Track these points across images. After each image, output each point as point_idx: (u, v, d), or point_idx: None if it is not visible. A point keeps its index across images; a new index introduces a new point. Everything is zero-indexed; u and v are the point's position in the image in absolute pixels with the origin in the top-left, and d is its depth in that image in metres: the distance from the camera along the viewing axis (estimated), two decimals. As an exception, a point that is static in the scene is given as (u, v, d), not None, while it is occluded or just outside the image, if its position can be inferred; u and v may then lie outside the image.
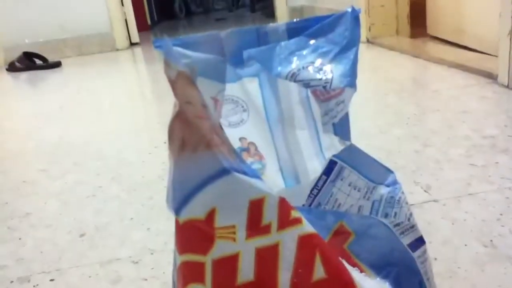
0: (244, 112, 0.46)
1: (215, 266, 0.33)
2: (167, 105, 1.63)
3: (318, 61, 0.39)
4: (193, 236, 0.34)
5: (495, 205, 0.74)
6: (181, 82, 0.37)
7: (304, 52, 0.41)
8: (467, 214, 0.73)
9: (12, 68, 2.99)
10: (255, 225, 0.34)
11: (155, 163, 1.12)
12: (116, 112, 1.67)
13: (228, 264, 0.33)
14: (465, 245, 0.65)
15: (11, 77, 2.83)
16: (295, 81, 0.39)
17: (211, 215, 0.34)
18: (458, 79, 1.50)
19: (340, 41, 0.39)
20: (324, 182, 0.43)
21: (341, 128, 0.43)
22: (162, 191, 0.95)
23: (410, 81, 1.57)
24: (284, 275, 0.33)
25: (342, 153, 0.43)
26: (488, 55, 1.65)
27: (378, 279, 0.33)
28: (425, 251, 0.38)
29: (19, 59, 2.99)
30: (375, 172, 0.43)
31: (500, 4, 1.35)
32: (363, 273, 0.34)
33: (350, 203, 0.43)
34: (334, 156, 0.43)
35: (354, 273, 0.33)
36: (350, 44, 0.39)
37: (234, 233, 0.34)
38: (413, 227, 0.38)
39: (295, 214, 0.35)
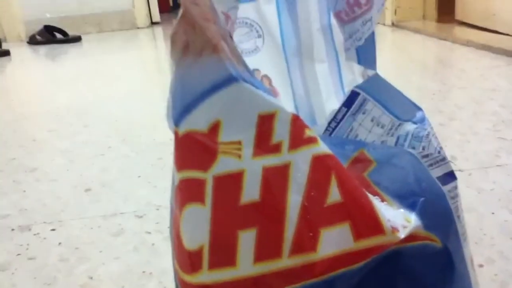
0: (258, 39, 0.42)
1: (216, 183, 0.29)
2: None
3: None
4: (193, 150, 0.30)
5: (525, 176, 0.69)
6: (188, -17, 0.33)
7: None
8: (494, 184, 0.68)
9: (32, 41, 2.99)
10: (263, 143, 0.30)
11: (168, 127, 1.08)
12: (132, 82, 1.64)
13: (231, 182, 0.29)
14: (492, 213, 0.60)
15: (31, 49, 2.83)
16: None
17: (214, 128, 0.30)
18: (486, 60, 1.43)
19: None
20: (344, 115, 0.38)
21: (366, 55, 0.39)
22: (170, 154, 0.91)
23: (435, 61, 1.51)
24: (294, 198, 0.29)
25: (366, 83, 0.38)
26: (519, 38, 1.58)
27: (402, 210, 0.29)
28: (455, 187, 0.34)
29: (40, 33, 2.98)
30: (401, 107, 0.39)
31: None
32: (384, 202, 0.30)
33: (371, 140, 0.38)
34: (356, 86, 0.38)
35: (375, 201, 0.29)
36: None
37: (239, 149, 0.30)
38: (443, 159, 0.33)
39: (309, 133, 0.30)
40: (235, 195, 0.29)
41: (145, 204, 0.72)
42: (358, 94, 0.38)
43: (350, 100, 0.38)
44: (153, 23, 3.61)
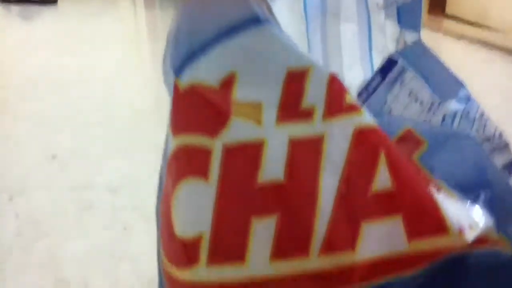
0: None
1: (226, 154, 0.22)
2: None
3: None
4: (198, 109, 0.23)
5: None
6: None
7: None
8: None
9: (4, -2, 2.81)
10: (291, 106, 0.23)
11: (147, 97, 1.00)
12: (110, 55, 1.53)
13: (247, 155, 0.22)
14: None
15: (2, 7, 2.66)
16: None
17: (228, 83, 0.23)
18: (481, 53, 1.39)
19: None
20: (378, 84, 0.32)
21: (409, 15, 0.32)
22: (152, 123, 0.83)
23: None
24: (328, 181, 0.22)
25: (406, 50, 0.32)
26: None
27: (468, 204, 0.23)
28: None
29: (13, -10, 2.81)
30: (443, 82, 0.33)
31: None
32: (441, 193, 0.23)
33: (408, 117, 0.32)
34: (395, 53, 0.32)
35: (436, 192, 0.22)
36: None
37: (259, 112, 0.23)
38: (506, 146, 0.27)
39: (351, 99, 0.24)
40: (251, 172, 0.22)
41: (120, 177, 0.64)
42: (395, 62, 0.32)
43: (386, 68, 0.32)
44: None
